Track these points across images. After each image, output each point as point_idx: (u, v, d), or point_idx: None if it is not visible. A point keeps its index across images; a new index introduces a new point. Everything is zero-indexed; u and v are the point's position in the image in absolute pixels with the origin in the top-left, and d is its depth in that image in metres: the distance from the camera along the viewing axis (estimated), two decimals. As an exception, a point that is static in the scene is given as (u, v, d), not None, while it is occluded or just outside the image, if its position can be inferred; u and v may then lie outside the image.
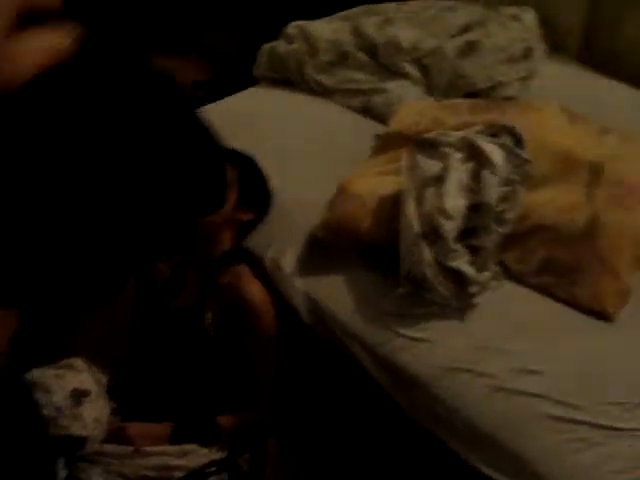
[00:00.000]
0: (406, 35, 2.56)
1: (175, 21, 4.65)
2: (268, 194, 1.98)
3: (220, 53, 4.10)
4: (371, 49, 2.60)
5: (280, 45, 2.68)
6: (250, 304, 1.78)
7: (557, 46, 2.74)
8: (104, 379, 1.97)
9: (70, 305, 2.84)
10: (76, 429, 1.76)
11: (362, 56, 2.59)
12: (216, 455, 1.76)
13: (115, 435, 1.76)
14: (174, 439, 1.75)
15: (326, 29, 2.68)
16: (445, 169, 1.69)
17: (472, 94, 2.45)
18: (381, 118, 2.40)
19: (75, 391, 1.85)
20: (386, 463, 1.77)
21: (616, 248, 1.71)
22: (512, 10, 2.69)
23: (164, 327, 2.00)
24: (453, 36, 2.57)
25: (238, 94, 2.61)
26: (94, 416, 1.81)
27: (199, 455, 1.75)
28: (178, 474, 1.71)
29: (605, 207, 1.77)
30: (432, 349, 1.61)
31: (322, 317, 1.74)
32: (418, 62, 2.53)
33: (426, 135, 1.79)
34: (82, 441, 1.76)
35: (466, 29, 2.60)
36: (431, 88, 2.50)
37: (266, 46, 2.73)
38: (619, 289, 1.69)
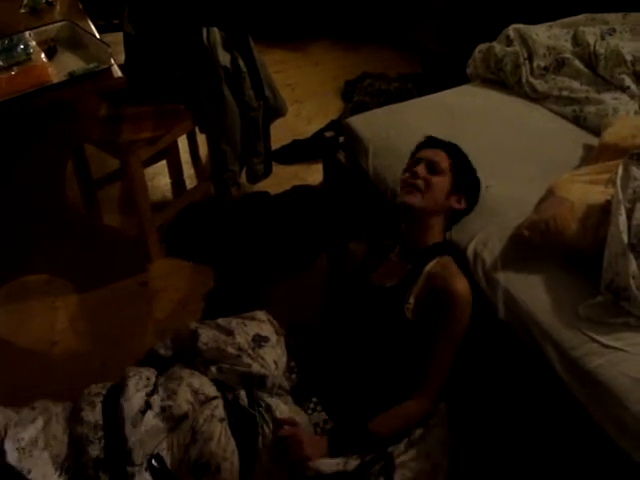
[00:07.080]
0: (629, 47, 2.54)
1: (385, 15, 4.80)
2: (477, 183, 2.06)
3: (428, 50, 4.20)
4: (590, 58, 2.59)
5: (497, 46, 2.72)
6: (454, 298, 1.81)
7: None
8: (282, 332, 2.12)
9: (267, 268, 3.12)
10: (257, 367, 1.92)
11: (580, 65, 2.59)
12: (349, 464, 1.75)
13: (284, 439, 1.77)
14: (332, 451, 1.76)
15: (545, 34, 2.70)
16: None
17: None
18: (592, 128, 2.40)
19: (257, 336, 2.02)
20: (559, 462, 1.79)
21: None
22: None
23: (362, 302, 2.08)
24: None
25: (451, 90, 2.69)
26: (273, 359, 1.97)
27: (331, 463, 1.75)
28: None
29: None
30: (625, 359, 1.60)
31: (517, 313, 1.76)
32: (639, 76, 2.50)
33: (643, 149, 1.79)
34: (262, 379, 1.91)
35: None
36: (649, 104, 2.46)
37: (483, 46, 2.79)
38: None
